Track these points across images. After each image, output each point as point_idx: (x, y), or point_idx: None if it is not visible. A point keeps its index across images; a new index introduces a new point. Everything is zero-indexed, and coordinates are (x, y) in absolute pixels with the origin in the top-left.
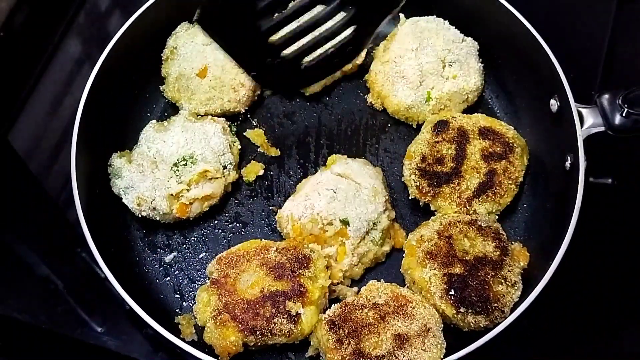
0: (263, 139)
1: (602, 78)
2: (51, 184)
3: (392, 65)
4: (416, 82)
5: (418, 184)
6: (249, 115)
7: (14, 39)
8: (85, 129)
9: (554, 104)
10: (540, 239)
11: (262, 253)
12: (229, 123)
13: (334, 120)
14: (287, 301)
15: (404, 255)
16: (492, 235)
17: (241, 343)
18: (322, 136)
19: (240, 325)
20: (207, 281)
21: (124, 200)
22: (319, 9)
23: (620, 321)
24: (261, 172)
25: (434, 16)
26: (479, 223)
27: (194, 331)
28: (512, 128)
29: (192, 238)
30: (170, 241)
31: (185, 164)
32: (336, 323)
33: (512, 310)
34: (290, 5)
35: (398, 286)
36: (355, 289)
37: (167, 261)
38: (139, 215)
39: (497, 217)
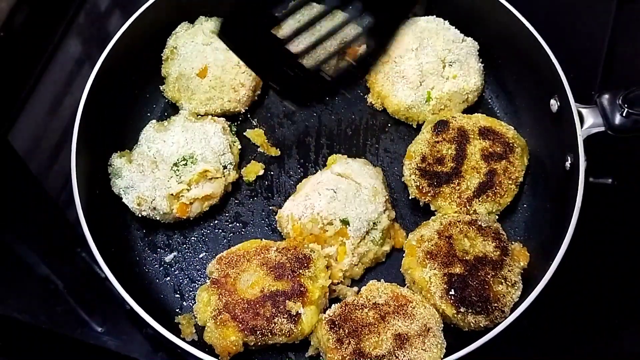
0: (263, 139)
1: (602, 78)
2: (51, 184)
3: (392, 65)
4: (416, 82)
5: (418, 184)
6: (249, 115)
7: (14, 39)
8: (85, 129)
9: (554, 104)
10: (540, 239)
11: (262, 253)
12: (229, 123)
13: (334, 120)
14: (287, 301)
15: (404, 255)
16: (492, 235)
17: (241, 343)
18: (322, 136)
19: (240, 325)
20: (207, 281)
21: (124, 200)
22: (337, 15)
23: (620, 321)
24: (261, 172)
25: (434, 16)
26: (479, 223)
27: (194, 331)
28: (512, 128)
29: (192, 238)
30: (170, 241)
31: (186, 164)
32: (336, 323)
33: (512, 310)
34: (306, 12)
35: (398, 286)
36: (356, 288)
37: (167, 261)
38: (139, 215)
39: (497, 217)
